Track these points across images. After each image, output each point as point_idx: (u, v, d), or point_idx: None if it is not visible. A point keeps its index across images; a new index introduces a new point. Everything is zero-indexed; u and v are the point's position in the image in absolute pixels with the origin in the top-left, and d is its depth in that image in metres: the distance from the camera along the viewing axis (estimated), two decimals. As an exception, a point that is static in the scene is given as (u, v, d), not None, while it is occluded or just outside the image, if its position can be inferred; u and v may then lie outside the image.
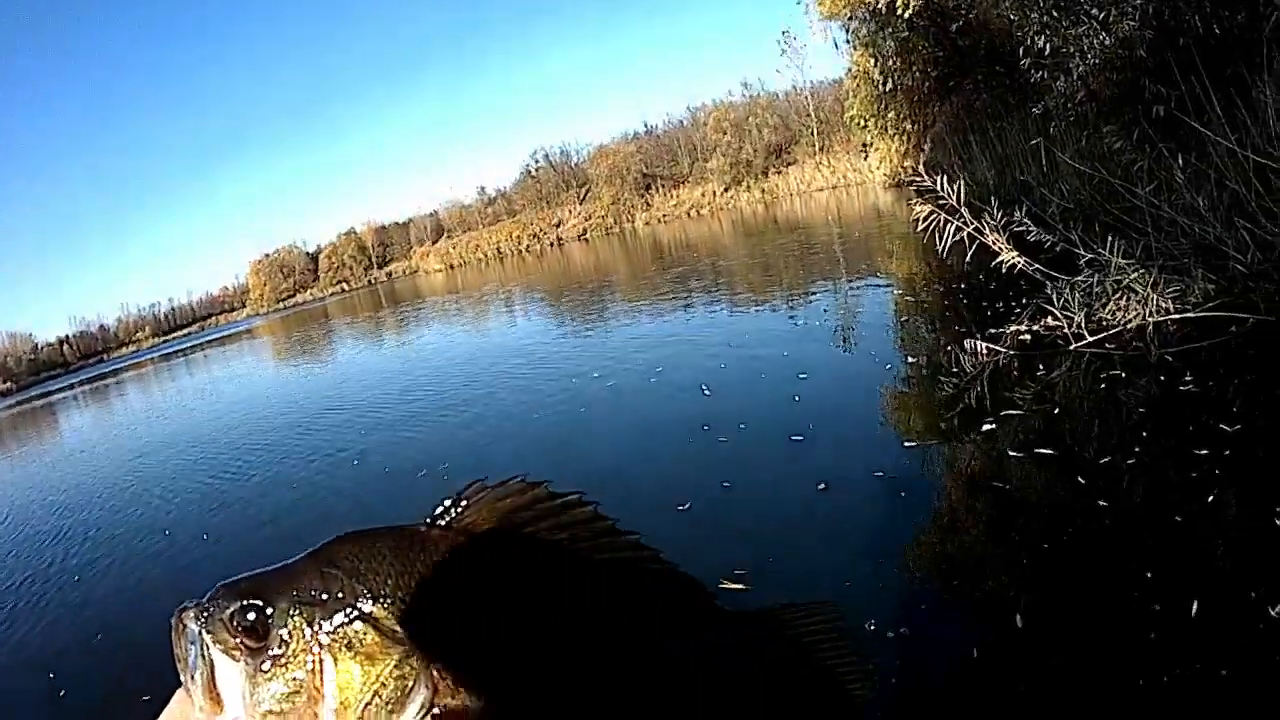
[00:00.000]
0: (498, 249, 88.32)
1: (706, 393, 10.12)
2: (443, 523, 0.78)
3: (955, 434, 7.16)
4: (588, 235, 79.99)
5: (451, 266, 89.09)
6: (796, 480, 6.47)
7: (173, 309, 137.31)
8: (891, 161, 34.37)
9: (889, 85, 28.17)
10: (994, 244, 9.29)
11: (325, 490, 10.24)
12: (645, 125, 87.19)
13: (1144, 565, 4.35)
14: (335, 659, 0.70)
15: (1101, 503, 5.25)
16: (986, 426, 7.02)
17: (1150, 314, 8.13)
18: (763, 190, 70.55)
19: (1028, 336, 8.91)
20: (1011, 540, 5.10)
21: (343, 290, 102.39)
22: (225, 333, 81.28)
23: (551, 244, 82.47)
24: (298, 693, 0.69)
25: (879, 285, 15.97)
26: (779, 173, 71.18)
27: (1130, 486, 5.45)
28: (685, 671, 0.77)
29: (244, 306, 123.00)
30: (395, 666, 0.69)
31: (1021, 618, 4.14)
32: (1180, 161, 9.27)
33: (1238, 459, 5.32)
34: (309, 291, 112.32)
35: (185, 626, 0.73)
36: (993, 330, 9.16)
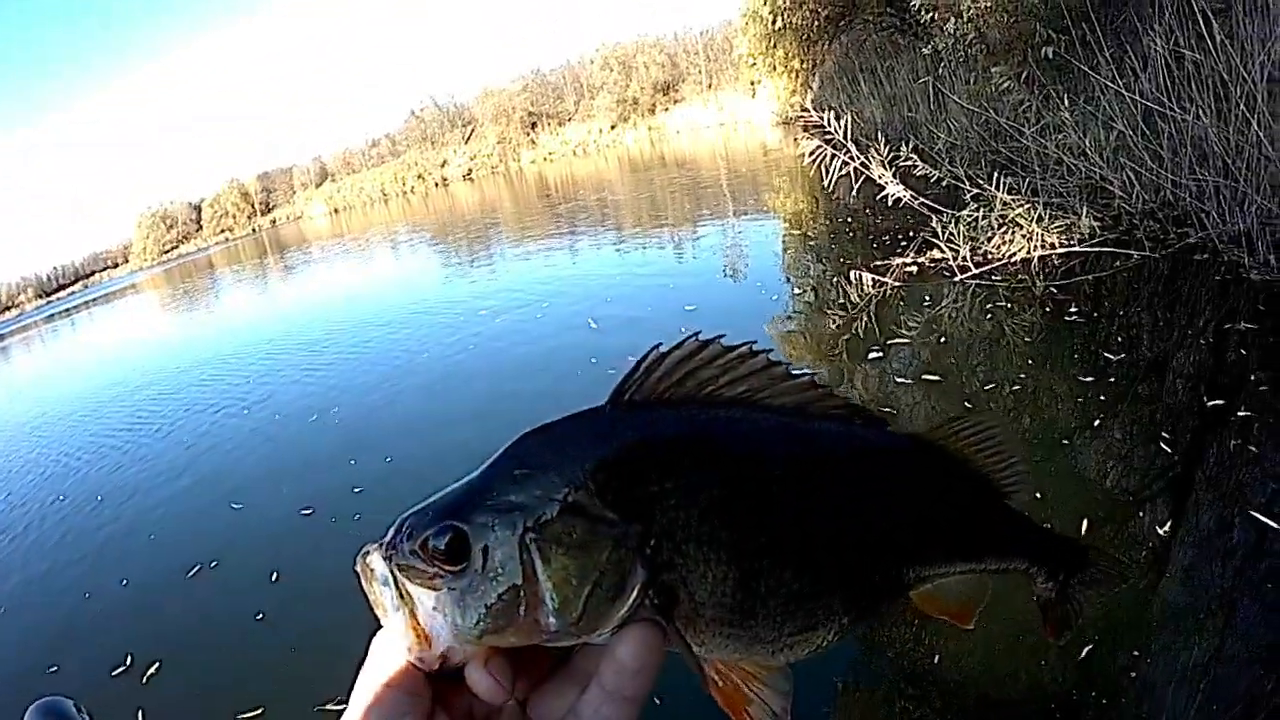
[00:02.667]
0: (382, 191, 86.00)
1: (594, 326, 10.05)
2: (625, 398, 0.74)
3: (842, 362, 7.13)
4: (473, 175, 78.62)
5: (336, 210, 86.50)
6: None
7: (55, 269, 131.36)
8: (780, 99, 34.34)
9: (778, 24, 27.95)
10: (880, 178, 9.23)
11: (230, 438, 9.73)
12: (536, 70, 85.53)
13: (1035, 485, 4.33)
14: (547, 559, 0.67)
15: None
16: (873, 355, 7.04)
17: (1035, 248, 8.24)
18: (650, 128, 70.13)
19: (914, 269, 8.96)
20: None
21: (226, 239, 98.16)
22: (108, 289, 77.20)
23: (436, 184, 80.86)
24: (514, 603, 0.67)
25: (766, 220, 15.91)
26: (666, 110, 70.83)
27: (1017, 411, 5.46)
28: (879, 494, 0.78)
29: (127, 262, 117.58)
30: (611, 552, 0.67)
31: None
32: (1068, 103, 9.38)
33: (1122, 386, 5.40)
34: (192, 242, 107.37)
35: (373, 570, 0.71)
36: (879, 262, 9.15)
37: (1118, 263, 7.46)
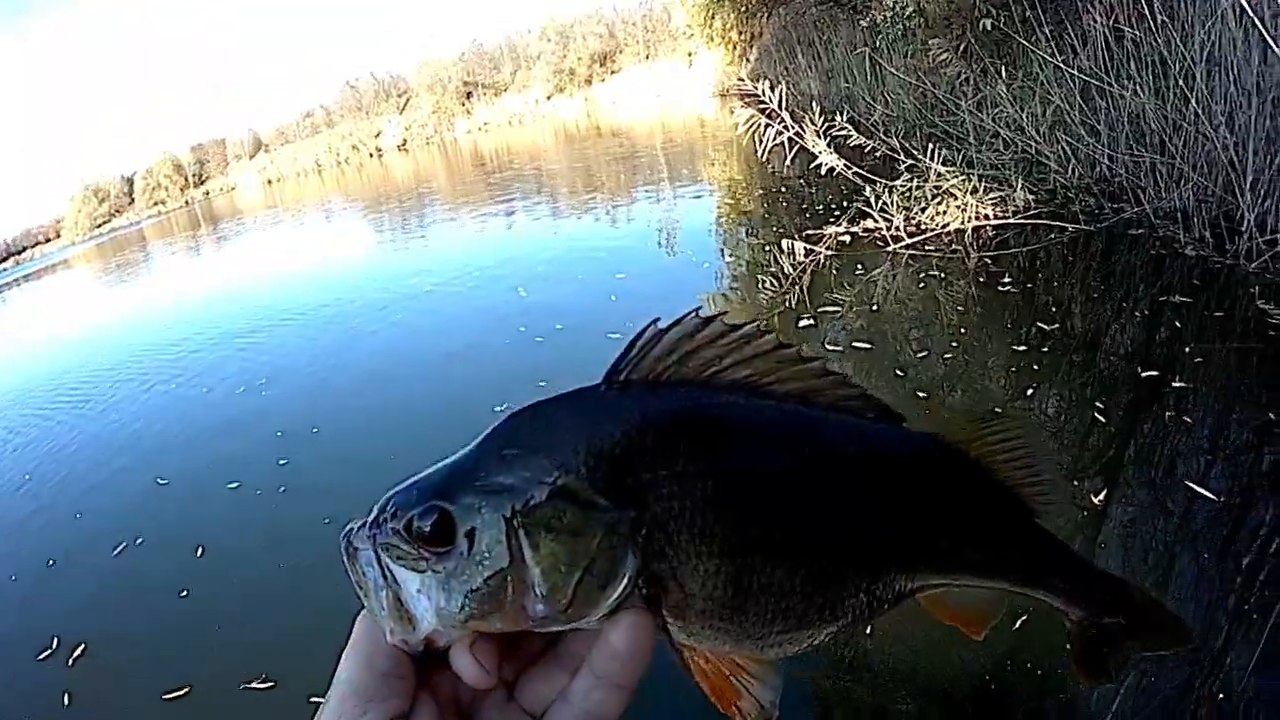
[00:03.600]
0: (316, 162, 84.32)
1: (523, 294, 10.00)
2: (622, 378, 0.70)
3: (773, 330, 6.92)
4: (407, 145, 77.47)
5: (270, 182, 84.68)
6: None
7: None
8: (717, 71, 34.22)
9: (718, -5, 27.86)
10: (813, 147, 9.10)
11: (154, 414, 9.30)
12: (475, 41, 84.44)
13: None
14: (536, 544, 0.65)
15: (921, 394, 5.15)
16: (805, 322, 6.91)
17: (969, 219, 8.17)
18: (586, 99, 69.59)
19: (847, 238, 8.84)
20: None
21: (159, 213, 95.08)
22: (39, 265, 74.24)
23: (371, 155, 79.63)
24: (501, 589, 0.65)
25: (701, 191, 15.78)
26: (604, 81, 70.30)
27: (949, 379, 5.37)
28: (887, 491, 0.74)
29: (59, 237, 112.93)
30: (602, 539, 0.65)
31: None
32: (1005, 77, 9.33)
33: (1056, 356, 5.32)
34: (125, 216, 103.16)
35: (356, 549, 0.68)
36: (812, 232, 9.00)
37: (1052, 235, 7.41)
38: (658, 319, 0.72)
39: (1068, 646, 0.83)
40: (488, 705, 0.70)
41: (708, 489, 0.67)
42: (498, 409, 6.00)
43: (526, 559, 0.65)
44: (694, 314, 0.71)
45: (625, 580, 0.66)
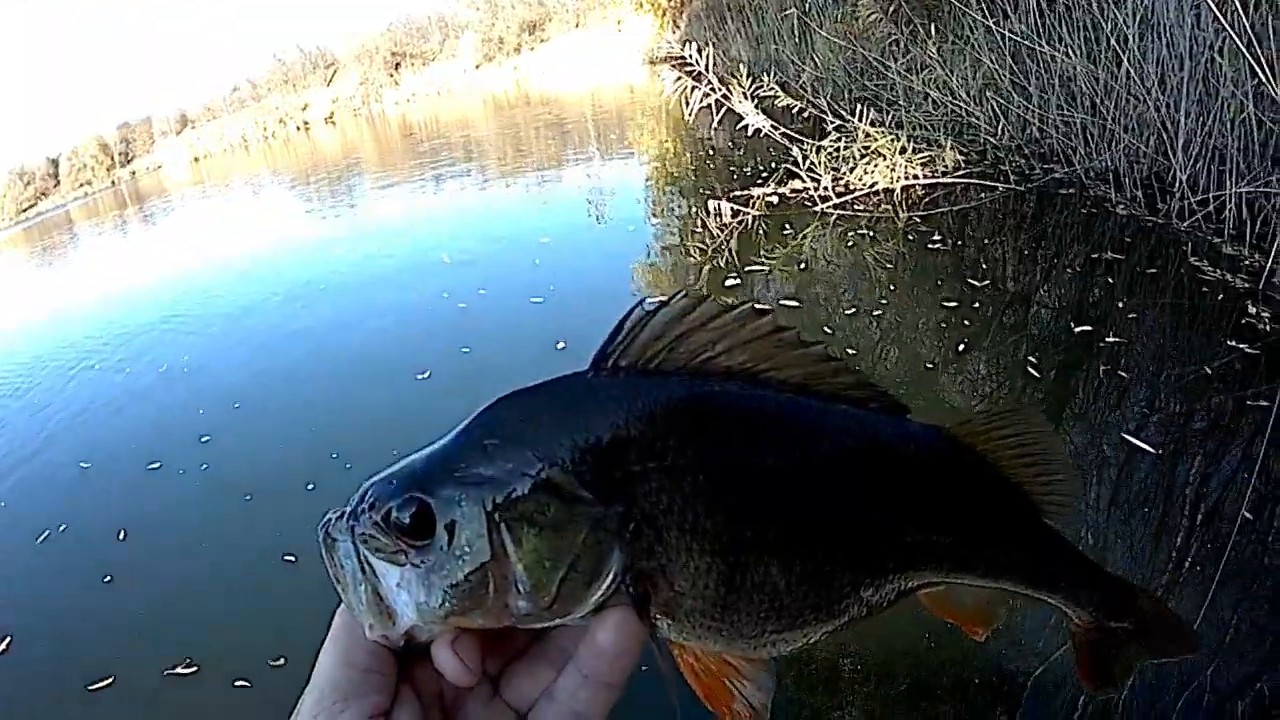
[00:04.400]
0: (243, 137, 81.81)
1: (446, 260, 9.71)
2: (609, 363, 0.66)
3: (699, 289, 6.73)
4: (335, 118, 75.71)
5: (196, 159, 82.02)
6: (535, 340, 6.17)
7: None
8: (647, 38, 33.91)
9: (648, -38, 27.49)
10: (740, 109, 8.92)
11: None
12: (403, 12, 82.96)
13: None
14: (518, 539, 0.62)
15: (850, 350, 5.00)
16: (732, 282, 6.73)
17: (898, 179, 8.05)
18: (515, 68, 68.65)
19: (775, 199, 8.67)
20: None
21: (86, 194, 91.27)
22: None
23: (298, 128, 77.66)
24: (482, 585, 0.62)
25: (629, 157, 15.52)
26: (533, 50, 69.41)
27: (880, 335, 5.23)
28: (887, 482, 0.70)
29: None
30: (587, 535, 0.62)
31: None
32: (936, 39, 9.21)
33: (987, 312, 5.19)
34: (51, 199, 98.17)
35: (334, 540, 0.65)
36: (740, 193, 8.82)
37: (983, 195, 7.31)
38: (644, 299, 0.67)
39: (1075, 651, 0.80)
40: (472, 701, 0.68)
41: (700, 483, 0.65)
42: (420, 376, 5.80)
43: (509, 554, 0.63)
44: (682, 294, 0.66)
45: (611, 577, 0.63)
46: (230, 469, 5.50)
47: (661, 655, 0.66)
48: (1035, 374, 4.31)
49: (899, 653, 2.88)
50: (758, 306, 0.66)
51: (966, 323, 5.02)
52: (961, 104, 8.34)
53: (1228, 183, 5.64)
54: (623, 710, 0.66)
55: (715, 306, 0.66)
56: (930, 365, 4.63)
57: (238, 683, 3.36)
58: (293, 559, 4.07)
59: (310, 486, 4.73)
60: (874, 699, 2.82)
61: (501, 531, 0.62)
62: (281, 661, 3.38)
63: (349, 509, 0.66)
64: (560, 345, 5.89)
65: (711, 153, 12.55)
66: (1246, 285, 4.85)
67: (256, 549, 4.32)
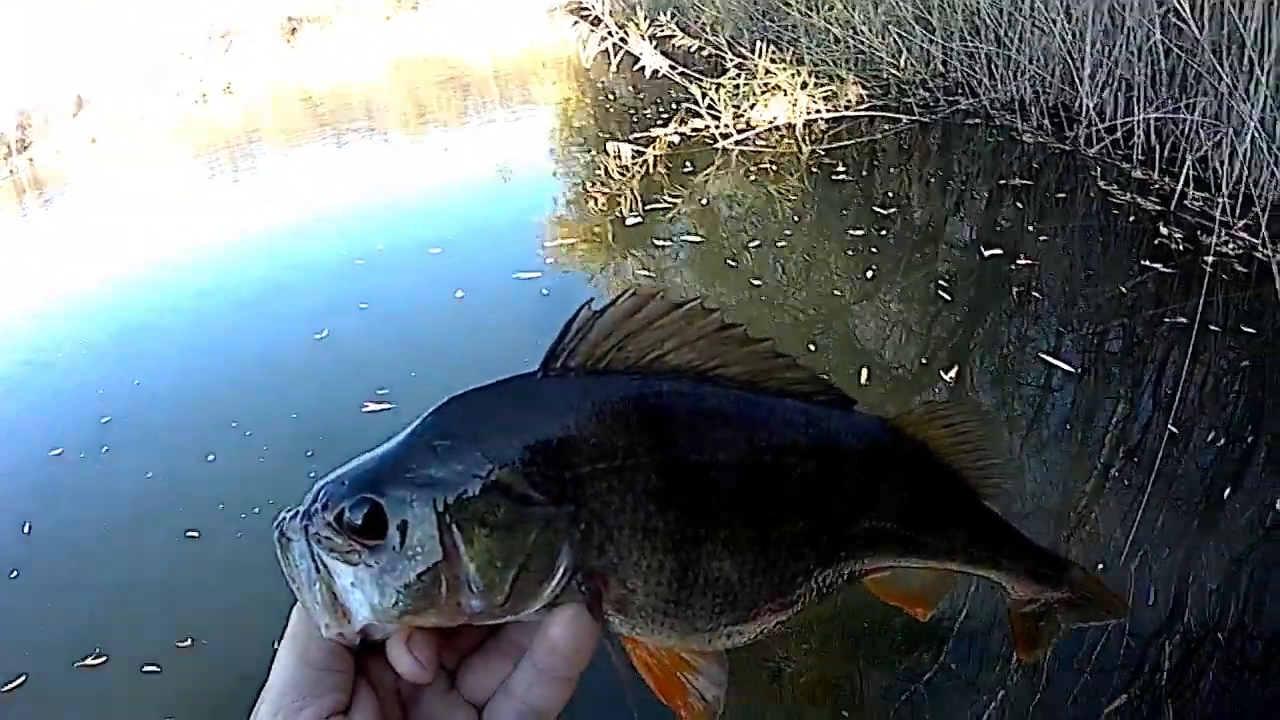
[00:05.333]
0: (141, 115, 78.96)
1: (346, 221, 9.13)
2: (558, 364, 0.66)
3: (599, 231, 6.55)
4: (232, 88, 73.32)
5: (93, 140, 78.94)
6: (434, 291, 6.01)
7: None
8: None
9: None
10: (637, 49, 8.65)
11: None
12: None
13: (807, 335, 4.01)
14: (470, 539, 0.62)
15: (755, 282, 4.79)
16: (633, 220, 6.45)
17: (800, 113, 7.84)
18: (416, 22, 67.21)
19: (677, 139, 8.36)
20: None
21: None
22: None
23: (196, 101, 75.12)
24: (435, 584, 0.62)
25: (532, 109, 15.13)
26: (431, 4, 67.98)
27: (786, 266, 5.05)
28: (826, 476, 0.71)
29: None
30: (538, 534, 0.62)
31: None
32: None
33: (895, 239, 5.02)
34: None
35: (289, 540, 0.65)
36: (640, 134, 8.53)
37: (887, 127, 7.14)
38: (591, 300, 0.65)
39: (1010, 624, 0.83)
40: (429, 695, 0.67)
41: (650, 483, 0.64)
42: (318, 336, 5.51)
43: (461, 554, 0.62)
44: (631, 293, 0.65)
45: (562, 575, 0.63)
46: (132, 448, 5.13)
47: (614, 650, 0.65)
48: (946, 298, 4.14)
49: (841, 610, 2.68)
50: (705, 305, 0.66)
51: (874, 250, 4.83)
52: (864, 39, 8.13)
53: (1135, 110, 5.58)
54: (579, 704, 0.65)
55: (663, 304, 0.65)
56: (838, 293, 4.45)
57: (147, 668, 3.18)
58: (195, 534, 3.84)
59: (211, 458, 4.46)
60: (812, 652, 2.70)
61: (453, 532, 0.62)
62: (188, 643, 3.22)
63: (302, 509, 0.65)
64: (459, 295, 5.70)
65: (612, 98, 12.20)
66: (1157, 208, 4.77)
67: (159, 528, 4.06)
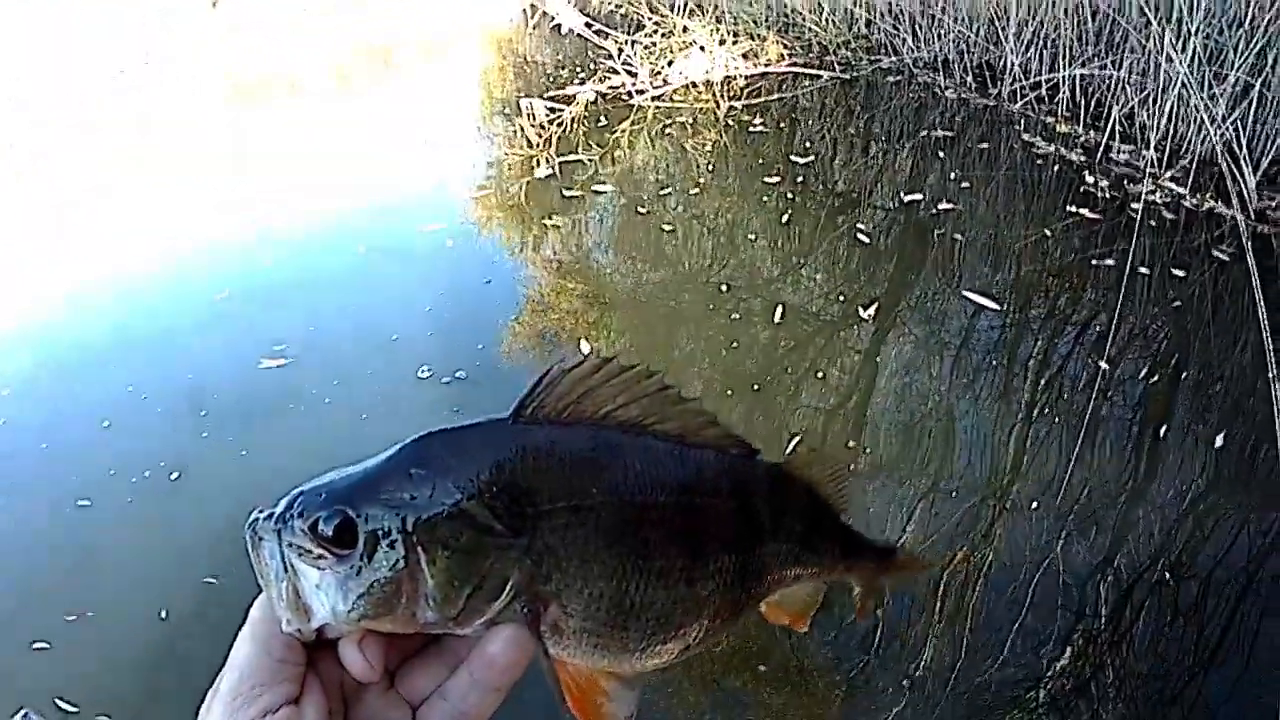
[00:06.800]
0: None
1: (269, 192, 8.71)
2: (528, 413, 0.71)
3: (509, 186, 6.29)
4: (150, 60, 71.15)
5: None
6: (337, 246, 5.82)
7: None
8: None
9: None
10: (553, 9, 8.45)
11: None
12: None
13: (719, 276, 3.86)
14: (433, 559, 0.66)
15: (666, 227, 4.54)
16: (544, 172, 6.17)
17: (719, 70, 7.65)
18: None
19: (593, 96, 8.08)
20: (582, 264, 4.59)
21: None
22: None
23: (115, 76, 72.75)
24: (395, 596, 0.65)
25: (445, 79, 14.79)
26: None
27: (702, 211, 4.80)
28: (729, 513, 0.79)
29: None
30: (494, 560, 0.67)
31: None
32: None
33: (812, 187, 4.83)
34: None
35: (261, 539, 0.67)
36: (556, 92, 8.24)
37: (808, 83, 6.93)
38: (562, 359, 0.73)
39: (856, 601, 0.95)
40: (370, 692, 0.70)
41: (599, 520, 0.70)
42: (219, 298, 5.15)
43: (422, 571, 0.66)
44: (593, 355, 0.72)
45: (508, 597, 0.67)
46: (28, 416, 4.71)
47: (546, 668, 0.69)
48: (865, 240, 3.96)
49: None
50: (651, 370, 0.71)
51: (790, 195, 4.62)
52: (786, 2, 7.98)
53: (1060, 66, 5.51)
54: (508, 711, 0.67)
55: (616, 366, 0.71)
56: (752, 236, 4.24)
57: (36, 645, 2.89)
58: (87, 502, 3.55)
59: (106, 424, 4.14)
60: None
61: (417, 551, 0.65)
62: (73, 619, 2.94)
63: (277, 512, 0.67)
64: (360, 249, 5.51)
65: (533, 62, 11.95)
66: (1083, 159, 4.70)
67: (50, 498, 3.75)
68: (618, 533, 0.70)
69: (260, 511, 0.68)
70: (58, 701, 2.61)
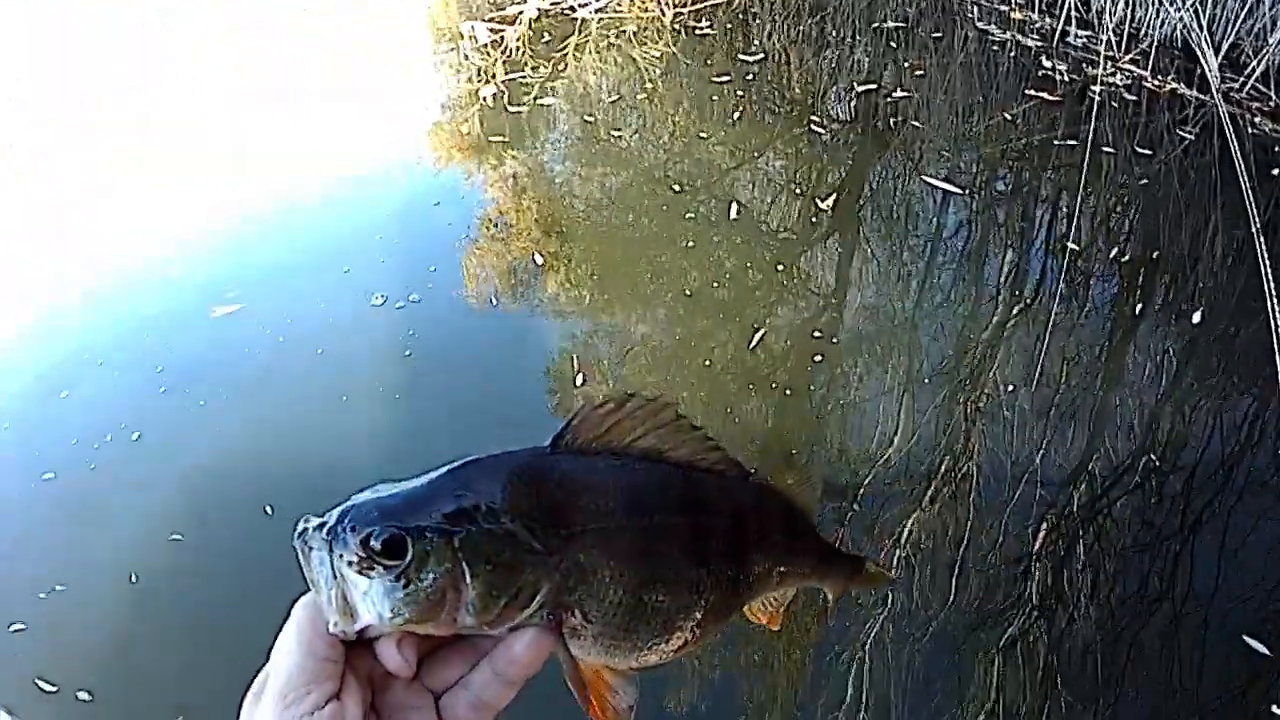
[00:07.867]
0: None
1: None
2: (563, 444, 0.77)
3: (453, 111, 6.19)
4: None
5: None
6: (283, 186, 5.69)
7: None
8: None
9: None
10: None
11: None
12: None
13: (671, 175, 3.80)
14: (476, 573, 0.71)
15: (615, 133, 4.46)
16: (488, 90, 6.01)
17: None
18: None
19: (536, 12, 7.84)
20: (532, 178, 4.52)
21: None
22: None
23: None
24: (438, 604, 0.70)
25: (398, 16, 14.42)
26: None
27: (649, 121, 4.69)
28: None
29: None
30: (530, 575, 0.72)
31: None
32: None
33: (762, 82, 4.72)
34: None
35: (311, 549, 0.71)
36: (498, 13, 8.00)
37: (753, -10, 6.72)
38: (598, 400, 0.76)
39: (828, 602, 1.02)
40: (397, 682, 0.74)
41: (623, 544, 0.76)
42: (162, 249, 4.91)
43: (465, 583, 0.70)
44: (626, 395, 0.77)
45: (538, 606, 0.72)
46: None
47: (567, 667, 0.74)
48: (819, 131, 3.89)
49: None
50: (667, 401, 0.77)
51: (739, 93, 4.53)
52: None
53: None
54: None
55: (639, 401, 0.77)
56: (703, 135, 4.15)
57: (14, 628, 2.87)
58: (51, 475, 3.48)
59: (64, 394, 4.04)
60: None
61: (462, 566, 0.70)
62: (44, 595, 2.92)
63: (328, 524, 0.70)
64: (307, 187, 5.39)
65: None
66: (1040, 44, 4.60)
67: (16, 477, 3.66)
68: (636, 551, 0.76)
69: (308, 521, 0.72)
70: (38, 682, 2.60)
